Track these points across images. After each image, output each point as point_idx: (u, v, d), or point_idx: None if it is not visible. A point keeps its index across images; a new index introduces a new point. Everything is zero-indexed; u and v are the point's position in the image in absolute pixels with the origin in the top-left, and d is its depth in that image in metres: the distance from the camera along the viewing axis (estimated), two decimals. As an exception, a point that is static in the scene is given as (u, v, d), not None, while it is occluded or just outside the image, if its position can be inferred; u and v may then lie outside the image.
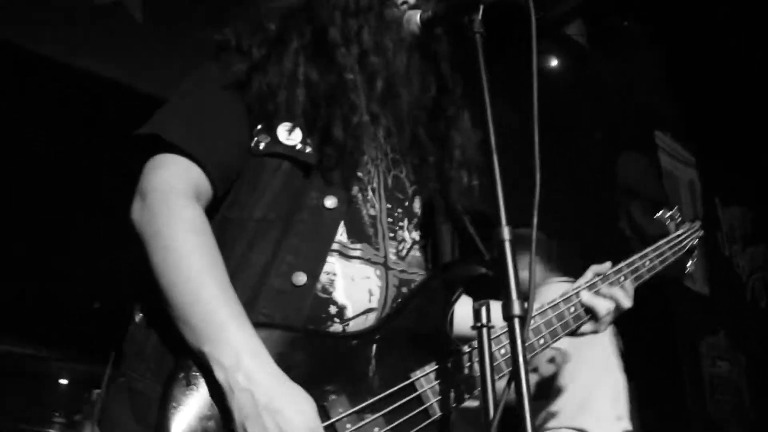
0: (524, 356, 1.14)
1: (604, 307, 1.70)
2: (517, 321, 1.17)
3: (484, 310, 1.24)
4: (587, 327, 1.73)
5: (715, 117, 6.14)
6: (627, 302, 1.73)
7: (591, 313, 1.70)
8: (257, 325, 1.27)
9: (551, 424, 2.75)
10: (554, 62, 4.77)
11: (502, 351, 1.51)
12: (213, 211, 1.43)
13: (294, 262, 1.37)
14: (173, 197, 1.32)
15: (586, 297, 1.70)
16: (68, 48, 3.18)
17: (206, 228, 1.33)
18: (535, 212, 1.29)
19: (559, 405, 2.80)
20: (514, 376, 1.13)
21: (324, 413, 1.26)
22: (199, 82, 1.49)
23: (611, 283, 1.78)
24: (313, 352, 1.32)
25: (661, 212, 2.21)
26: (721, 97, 5.97)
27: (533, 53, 1.43)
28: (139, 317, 1.42)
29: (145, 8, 3.36)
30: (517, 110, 4.92)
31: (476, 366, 1.45)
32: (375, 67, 1.51)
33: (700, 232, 2.24)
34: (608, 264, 1.82)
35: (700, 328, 6.04)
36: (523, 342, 1.15)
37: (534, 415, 3.08)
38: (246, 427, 1.16)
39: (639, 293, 3.28)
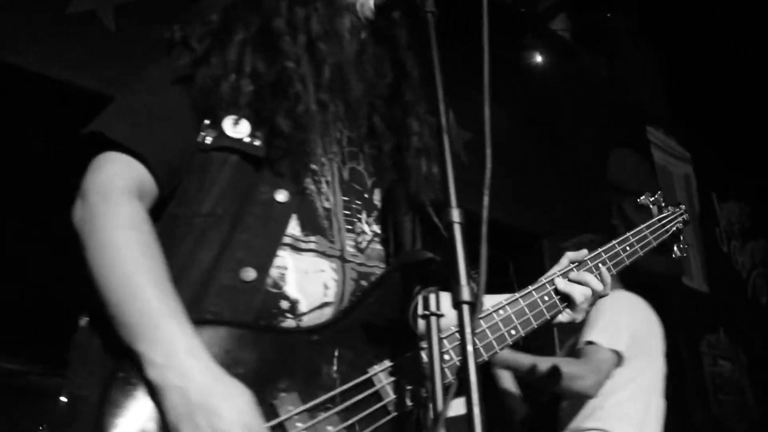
0: (473, 344, 1.08)
1: (580, 293, 1.64)
2: (465, 307, 1.11)
3: (433, 297, 1.17)
4: (564, 317, 1.67)
5: (709, 111, 6.09)
6: (598, 285, 1.67)
7: (567, 301, 1.64)
8: (204, 322, 1.22)
9: None
10: (539, 58, 4.72)
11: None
12: (161, 209, 1.39)
13: (243, 257, 1.32)
14: (112, 195, 1.28)
15: (562, 284, 1.64)
16: (41, 57, 3.14)
17: (145, 224, 1.28)
18: (486, 191, 1.22)
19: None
20: (462, 367, 1.07)
21: (272, 411, 1.20)
22: (144, 80, 1.45)
23: (587, 270, 1.72)
24: (263, 348, 1.26)
25: (643, 197, 2.16)
26: (714, 89, 5.92)
27: (484, 37, 1.37)
28: (84, 322, 1.36)
29: (117, 16, 3.32)
30: (503, 106, 4.91)
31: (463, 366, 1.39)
32: (323, 54, 1.48)
33: (685, 216, 2.18)
34: (584, 251, 1.76)
35: (700, 327, 5.96)
36: (472, 330, 1.09)
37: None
38: (179, 427, 1.10)
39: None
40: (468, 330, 1.09)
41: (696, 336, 5.90)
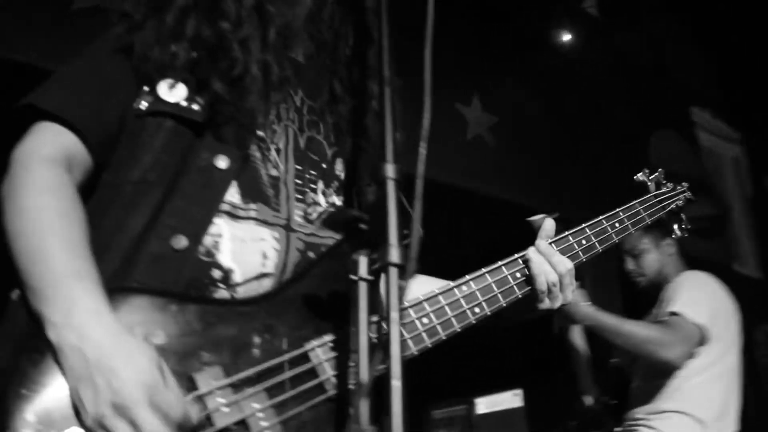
0: (397, 310, 0.98)
1: (552, 270, 1.50)
2: (393, 270, 1.00)
3: (362, 260, 1.06)
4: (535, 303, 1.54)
5: (760, 90, 5.75)
6: (565, 266, 1.53)
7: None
8: (129, 290, 1.17)
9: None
10: (567, 37, 4.52)
11: (425, 320, 1.35)
12: (100, 179, 1.35)
13: (175, 225, 1.26)
14: (32, 162, 1.26)
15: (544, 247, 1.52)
16: (47, 53, 3.14)
17: (63, 189, 1.24)
18: (423, 143, 1.11)
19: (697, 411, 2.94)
20: (384, 336, 0.97)
21: (192, 384, 1.12)
22: (83, 52, 1.43)
23: (567, 246, 1.60)
24: (187, 319, 1.18)
25: (640, 174, 2.03)
26: (763, 65, 5.58)
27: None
28: (15, 295, 1.31)
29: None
30: (530, 87, 4.74)
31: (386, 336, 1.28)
32: (271, 15, 1.42)
33: (687, 194, 2.04)
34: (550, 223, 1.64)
35: (753, 315, 5.63)
36: (398, 295, 0.99)
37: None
38: (78, 389, 1.04)
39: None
40: (393, 295, 1.00)
41: (749, 324, 5.57)
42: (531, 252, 1.51)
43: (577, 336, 3.56)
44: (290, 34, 1.47)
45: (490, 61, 4.44)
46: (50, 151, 1.27)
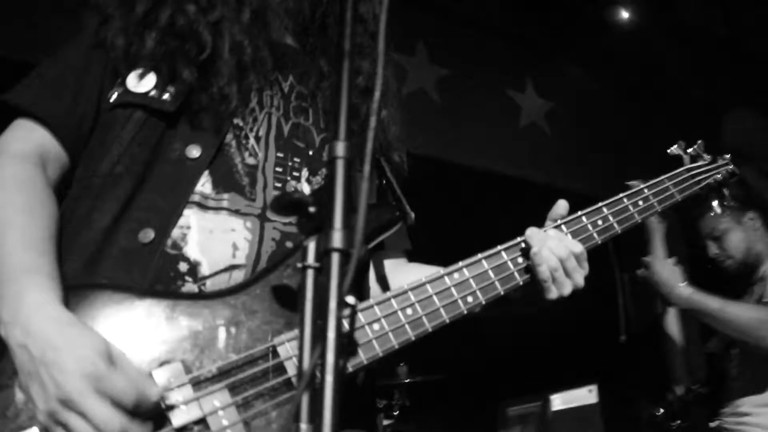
0: (340, 300, 0.90)
1: (555, 254, 1.38)
2: (336, 256, 0.93)
3: (311, 246, 0.99)
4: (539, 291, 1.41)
5: None
6: (570, 249, 1.40)
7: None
8: (95, 287, 1.15)
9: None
10: (626, 14, 4.27)
11: (408, 312, 1.26)
12: None
13: (144, 218, 1.24)
14: (1, 158, 1.27)
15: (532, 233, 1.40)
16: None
17: (29, 184, 1.24)
18: (373, 116, 1.03)
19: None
20: (322, 326, 0.89)
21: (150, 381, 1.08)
22: (60, 49, 1.43)
23: (580, 228, 1.47)
24: (153, 315, 1.15)
25: (675, 146, 1.85)
26: None
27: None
28: None
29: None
30: (595, 80, 4.52)
31: (362, 331, 1.21)
32: None
33: (730, 167, 1.84)
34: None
35: None
36: (340, 283, 0.91)
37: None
38: (29, 387, 1.02)
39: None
40: (334, 282, 0.92)
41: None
42: (528, 236, 1.40)
43: (671, 320, 3.30)
44: (269, 14, 1.41)
45: (544, 44, 4.27)
46: (21, 147, 1.28)
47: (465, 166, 4.01)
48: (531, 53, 4.30)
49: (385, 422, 4.04)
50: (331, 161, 1.00)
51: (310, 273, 0.98)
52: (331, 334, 0.89)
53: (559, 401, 6.82)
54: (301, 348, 0.93)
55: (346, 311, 1.18)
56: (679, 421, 3.21)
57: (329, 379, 0.86)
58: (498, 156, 4.04)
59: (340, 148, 1.01)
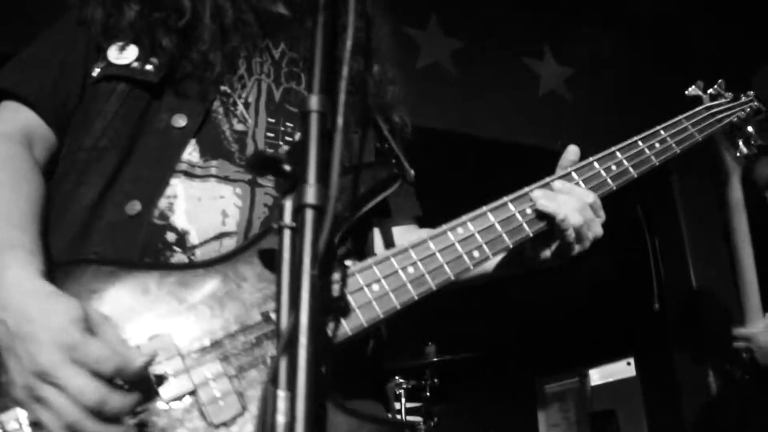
0: (314, 257, 0.87)
1: (562, 205, 1.31)
2: (310, 212, 0.89)
3: (287, 205, 0.94)
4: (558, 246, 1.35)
5: None
6: (585, 198, 1.33)
7: (547, 220, 1.33)
8: (83, 262, 1.12)
9: None
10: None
11: (410, 270, 1.21)
12: None
13: (130, 190, 1.22)
14: None
15: (540, 194, 1.33)
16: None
17: (13, 162, 1.22)
18: (345, 66, 0.98)
19: None
20: (294, 285, 0.85)
21: None
22: (45, 31, 1.42)
23: (593, 176, 1.41)
24: (140, 288, 1.11)
25: (693, 87, 1.75)
26: None
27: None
28: None
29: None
30: (616, 44, 4.39)
31: (361, 293, 1.16)
32: None
33: (754, 104, 1.74)
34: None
35: None
36: (314, 241, 0.87)
37: None
38: (7, 363, 0.99)
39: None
40: (307, 239, 0.88)
41: None
42: (535, 197, 1.33)
43: (744, 246, 2.85)
44: None
45: (560, 8, 4.16)
46: (6, 127, 1.27)
47: (484, 138, 3.93)
48: (547, 19, 4.18)
49: (416, 404, 4.01)
50: (304, 115, 0.96)
51: (286, 233, 0.94)
52: (305, 294, 0.85)
53: (597, 376, 6.77)
54: (278, 311, 0.89)
55: (338, 273, 1.15)
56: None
57: (303, 341, 0.82)
58: (517, 127, 3.95)
59: (314, 102, 0.96)
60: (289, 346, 0.83)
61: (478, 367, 4.90)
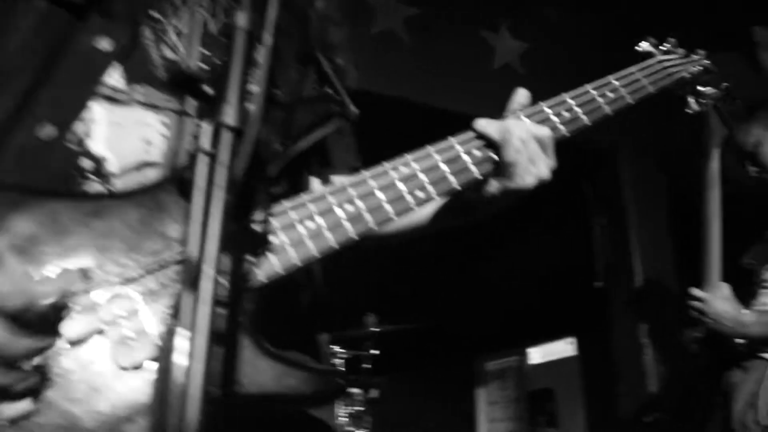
0: (231, 183, 0.79)
1: (514, 141, 1.24)
2: (227, 135, 0.80)
3: (204, 129, 0.85)
4: (494, 185, 1.29)
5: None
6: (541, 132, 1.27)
7: (493, 162, 1.26)
8: None
9: None
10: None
11: (348, 208, 1.13)
12: None
13: (44, 113, 1.11)
14: None
15: (493, 129, 1.26)
16: None
17: None
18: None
19: None
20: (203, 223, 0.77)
21: None
22: None
23: (539, 123, 1.35)
24: (49, 217, 1.00)
25: (643, 42, 1.72)
26: None
27: None
28: None
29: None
30: (572, 20, 4.37)
31: (293, 230, 1.08)
32: None
33: (704, 63, 1.72)
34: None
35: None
36: (230, 167, 0.79)
37: None
38: None
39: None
40: (223, 163, 0.80)
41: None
42: (481, 125, 1.27)
43: (714, 218, 2.83)
44: None
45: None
46: None
47: (436, 108, 3.87)
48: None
49: (354, 376, 3.96)
50: (228, 34, 0.87)
51: (201, 158, 0.85)
52: (215, 222, 0.77)
53: (537, 354, 6.83)
54: (185, 242, 0.80)
55: (266, 208, 1.07)
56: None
57: (209, 271, 0.73)
58: (471, 98, 3.90)
59: (241, 18, 0.87)
60: (194, 279, 0.75)
61: (418, 343, 4.88)
